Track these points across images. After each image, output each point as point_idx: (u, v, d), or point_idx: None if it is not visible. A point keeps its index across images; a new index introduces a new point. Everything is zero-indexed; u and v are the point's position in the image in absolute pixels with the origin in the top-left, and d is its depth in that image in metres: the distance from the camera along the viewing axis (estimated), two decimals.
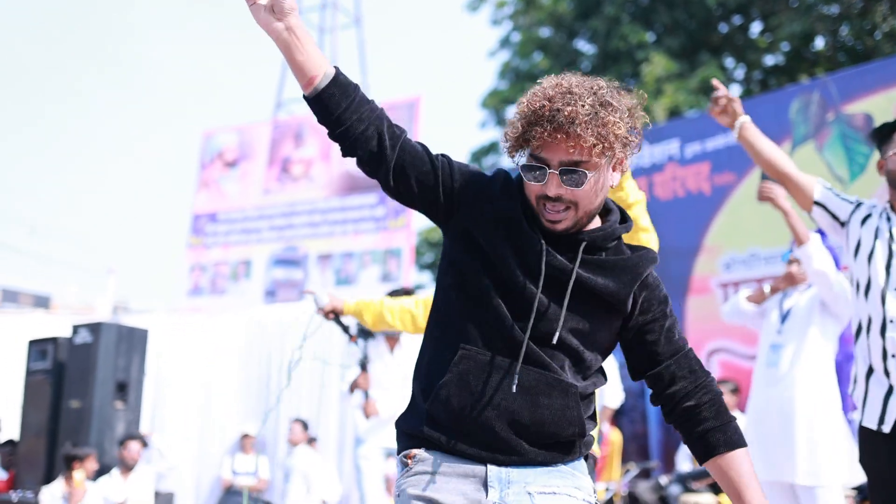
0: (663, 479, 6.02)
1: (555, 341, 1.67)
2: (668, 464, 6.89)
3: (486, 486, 1.67)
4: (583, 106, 1.58)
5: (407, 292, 4.82)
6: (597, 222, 1.77)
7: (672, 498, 5.85)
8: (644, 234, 2.59)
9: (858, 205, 2.84)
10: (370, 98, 1.85)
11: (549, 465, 1.70)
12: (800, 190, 2.86)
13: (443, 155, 1.82)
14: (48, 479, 7.16)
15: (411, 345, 5.11)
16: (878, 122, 6.44)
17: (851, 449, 3.84)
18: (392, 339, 5.12)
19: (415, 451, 1.72)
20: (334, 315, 3.07)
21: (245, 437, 8.65)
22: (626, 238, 2.07)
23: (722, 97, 2.86)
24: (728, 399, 6.19)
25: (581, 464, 1.77)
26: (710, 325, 7.18)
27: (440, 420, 1.69)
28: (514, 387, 1.64)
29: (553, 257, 1.68)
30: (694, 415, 1.72)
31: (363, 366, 4.56)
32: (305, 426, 8.21)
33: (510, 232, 1.70)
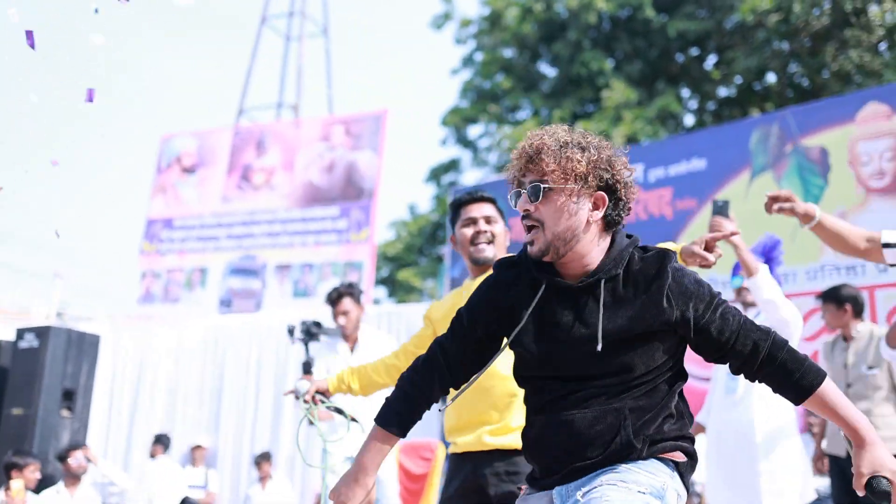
0: None
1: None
2: None
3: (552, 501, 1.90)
4: (550, 140, 1.85)
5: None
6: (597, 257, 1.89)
7: None
8: None
9: None
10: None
11: (602, 468, 1.83)
12: (872, 253, 2.91)
13: (456, 317, 2.05)
14: None
15: (371, 343, 5.06)
16: (833, 156, 6.66)
17: (806, 467, 3.94)
18: (352, 338, 5.05)
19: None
20: (321, 398, 2.92)
21: (196, 448, 8.50)
22: None
23: (783, 204, 2.94)
24: None
25: (649, 463, 1.83)
26: None
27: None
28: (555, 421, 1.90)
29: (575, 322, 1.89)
30: (779, 372, 1.86)
31: (307, 369, 4.47)
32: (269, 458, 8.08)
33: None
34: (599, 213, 1.86)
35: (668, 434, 1.87)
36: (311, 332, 4.33)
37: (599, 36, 17.17)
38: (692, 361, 6.34)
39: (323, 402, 2.92)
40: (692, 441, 1.93)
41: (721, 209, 3.70)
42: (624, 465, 1.81)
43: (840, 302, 4.89)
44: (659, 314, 1.82)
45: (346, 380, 2.94)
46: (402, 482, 6.45)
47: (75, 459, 6.72)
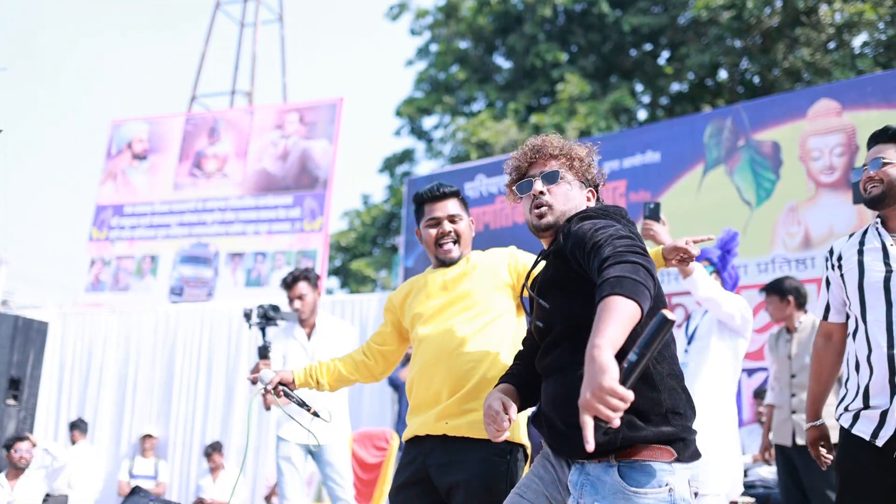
0: None
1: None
2: None
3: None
4: (556, 140, 2.32)
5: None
6: None
7: None
8: None
9: (829, 256, 2.93)
10: None
11: (607, 480, 1.93)
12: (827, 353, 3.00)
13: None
14: None
15: (328, 330, 5.04)
16: (785, 150, 6.79)
17: (740, 462, 4.01)
18: (308, 324, 5.02)
19: None
20: (284, 389, 2.85)
21: (146, 437, 8.37)
22: None
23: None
24: None
25: (645, 474, 1.91)
26: None
27: None
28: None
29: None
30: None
31: (263, 354, 4.44)
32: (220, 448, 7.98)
33: None
34: (591, 204, 2.29)
35: (644, 410, 1.89)
36: (268, 316, 4.30)
37: (554, 29, 17.26)
38: None
39: (286, 394, 2.86)
40: (681, 418, 1.96)
41: (652, 213, 3.75)
42: (629, 488, 1.88)
43: (783, 294, 5.01)
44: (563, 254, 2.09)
45: (314, 375, 2.89)
46: (356, 471, 6.43)
47: (18, 451, 6.56)
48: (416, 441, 2.65)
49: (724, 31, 14.64)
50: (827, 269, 2.92)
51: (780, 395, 4.91)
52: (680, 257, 2.73)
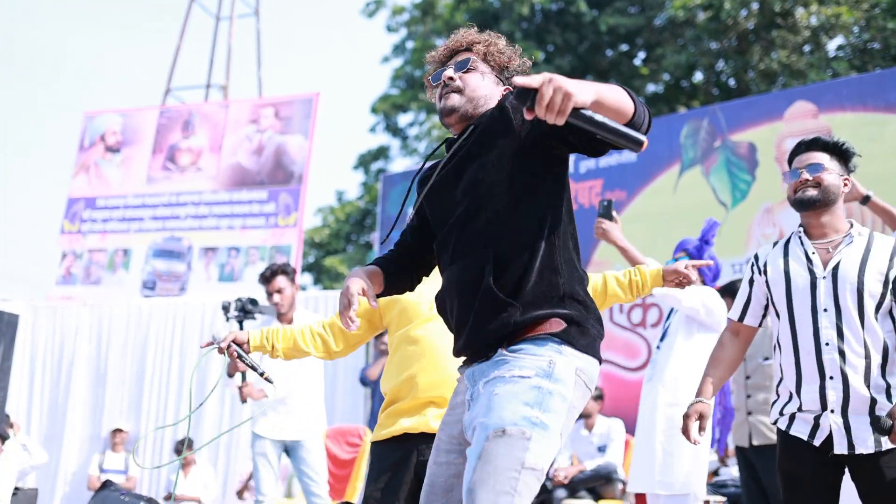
0: (548, 484, 6.14)
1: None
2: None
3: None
4: (470, 32, 2.21)
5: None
6: None
7: (556, 501, 5.98)
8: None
9: (754, 262, 2.98)
10: None
11: (493, 358, 1.92)
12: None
13: None
14: None
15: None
16: (761, 152, 6.85)
17: (702, 458, 4.02)
18: (286, 318, 4.99)
19: None
20: (237, 350, 2.72)
21: (116, 431, 8.28)
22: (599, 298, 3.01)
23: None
24: (591, 405, 6.45)
25: (529, 346, 1.89)
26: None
27: None
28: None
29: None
30: None
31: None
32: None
33: None
34: (499, 94, 2.15)
35: (541, 294, 1.90)
36: (246, 309, 4.28)
37: (531, 27, 17.29)
38: (620, 351, 6.48)
39: (239, 355, 2.74)
40: (580, 305, 1.94)
41: (605, 210, 3.75)
42: (510, 354, 1.88)
43: (735, 295, 5.07)
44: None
45: (270, 339, 2.78)
46: (329, 468, 6.41)
47: None
48: (405, 439, 2.60)
49: (700, 32, 14.74)
50: (752, 272, 2.96)
51: (737, 397, 4.96)
52: (678, 280, 2.78)
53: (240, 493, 7.74)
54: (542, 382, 1.82)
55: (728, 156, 7.06)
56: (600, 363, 1.98)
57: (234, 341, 2.74)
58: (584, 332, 1.92)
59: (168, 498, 7.64)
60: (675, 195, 7.24)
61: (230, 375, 4.71)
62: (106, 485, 4.99)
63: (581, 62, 17.31)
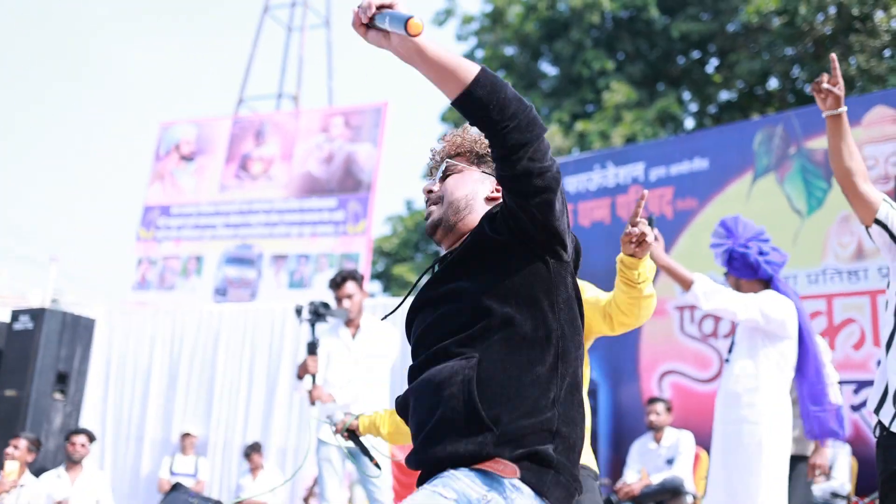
0: (614, 498, 6.03)
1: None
2: (616, 480, 6.92)
3: None
4: (452, 138, 2.01)
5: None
6: None
7: None
8: (646, 301, 2.64)
9: None
10: None
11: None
12: (862, 201, 2.78)
13: None
14: None
15: (373, 331, 5.09)
16: None
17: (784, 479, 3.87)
18: (354, 324, 5.07)
19: None
20: (349, 434, 2.81)
21: (186, 436, 8.45)
22: (620, 308, 2.67)
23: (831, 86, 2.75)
24: (664, 418, 6.35)
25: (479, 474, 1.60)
26: (665, 348, 7.26)
27: None
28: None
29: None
30: None
31: (312, 349, 4.51)
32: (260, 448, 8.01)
33: None
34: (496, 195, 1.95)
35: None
36: (318, 312, 4.37)
37: (601, 36, 17.13)
38: (689, 361, 6.31)
39: (353, 439, 2.84)
40: (553, 437, 1.62)
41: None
42: (455, 472, 1.60)
43: None
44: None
45: (377, 423, 2.82)
46: (395, 475, 6.41)
47: (74, 444, 6.67)
48: None
49: (775, 37, 14.38)
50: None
51: None
52: (633, 241, 2.53)
53: (306, 500, 7.81)
54: None
55: (803, 163, 6.84)
56: None
57: (348, 429, 2.83)
58: (556, 484, 1.63)
59: (239, 503, 7.75)
60: (748, 203, 7.05)
61: (299, 378, 4.79)
62: (176, 487, 5.09)
63: (652, 70, 17.07)
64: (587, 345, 2.81)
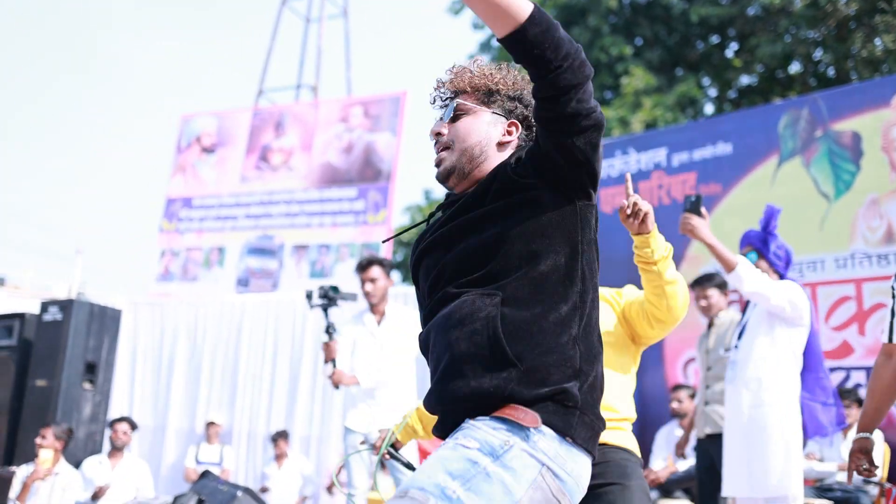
0: None
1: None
2: (643, 467, 6.90)
3: None
4: (461, 71, 1.94)
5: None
6: None
7: (651, 502, 5.84)
8: (669, 287, 2.49)
9: None
10: None
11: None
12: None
13: None
14: (9, 458, 6.95)
15: (398, 318, 5.11)
16: (866, 141, 6.56)
17: (800, 464, 3.86)
18: (379, 310, 5.08)
19: None
20: (391, 451, 2.76)
21: (211, 425, 8.50)
22: (651, 303, 2.56)
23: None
24: (687, 405, 6.31)
25: (502, 422, 1.57)
26: (688, 334, 7.21)
27: None
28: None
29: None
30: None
31: (329, 333, 4.52)
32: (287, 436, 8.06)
33: None
34: (511, 139, 1.89)
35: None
36: (328, 296, 4.39)
37: (619, 21, 17.01)
38: None
39: (392, 455, 2.78)
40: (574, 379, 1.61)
41: (693, 206, 3.66)
42: (475, 422, 1.58)
43: (722, 287, 5.31)
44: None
45: (412, 426, 2.81)
46: (420, 446, 6.44)
47: (117, 431, 6.86)
48: None
49: (797, 20, 14.21)
50: (894, 296, 2.90)
51: (699, 389, 4.95)
52: (629, 213, 2.44)
53: (329, 488, 7.85)
54: (482, 459, 1.52)
55: (830, 145, 6.76)
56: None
57: (391, 445, 2.78)
58: (569, 423, 1.62)
59: (264, 490, 7.80)
60: (773, 187, 6.98)
61: (326, 362, 4.81)
62: (205, 475, 5.13)
63: (671, 55, 16.94)
64: (639, 350, 2.72)
